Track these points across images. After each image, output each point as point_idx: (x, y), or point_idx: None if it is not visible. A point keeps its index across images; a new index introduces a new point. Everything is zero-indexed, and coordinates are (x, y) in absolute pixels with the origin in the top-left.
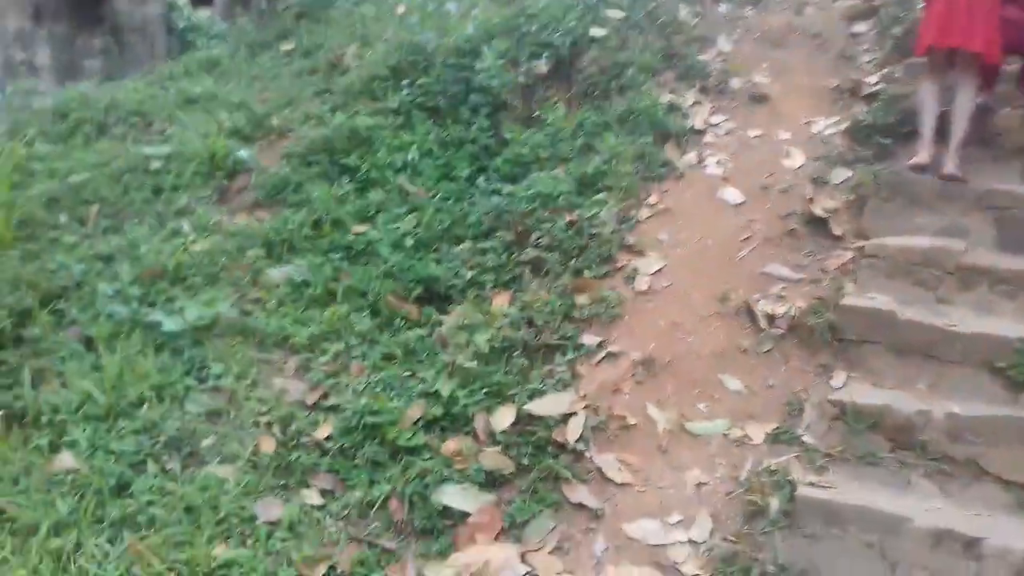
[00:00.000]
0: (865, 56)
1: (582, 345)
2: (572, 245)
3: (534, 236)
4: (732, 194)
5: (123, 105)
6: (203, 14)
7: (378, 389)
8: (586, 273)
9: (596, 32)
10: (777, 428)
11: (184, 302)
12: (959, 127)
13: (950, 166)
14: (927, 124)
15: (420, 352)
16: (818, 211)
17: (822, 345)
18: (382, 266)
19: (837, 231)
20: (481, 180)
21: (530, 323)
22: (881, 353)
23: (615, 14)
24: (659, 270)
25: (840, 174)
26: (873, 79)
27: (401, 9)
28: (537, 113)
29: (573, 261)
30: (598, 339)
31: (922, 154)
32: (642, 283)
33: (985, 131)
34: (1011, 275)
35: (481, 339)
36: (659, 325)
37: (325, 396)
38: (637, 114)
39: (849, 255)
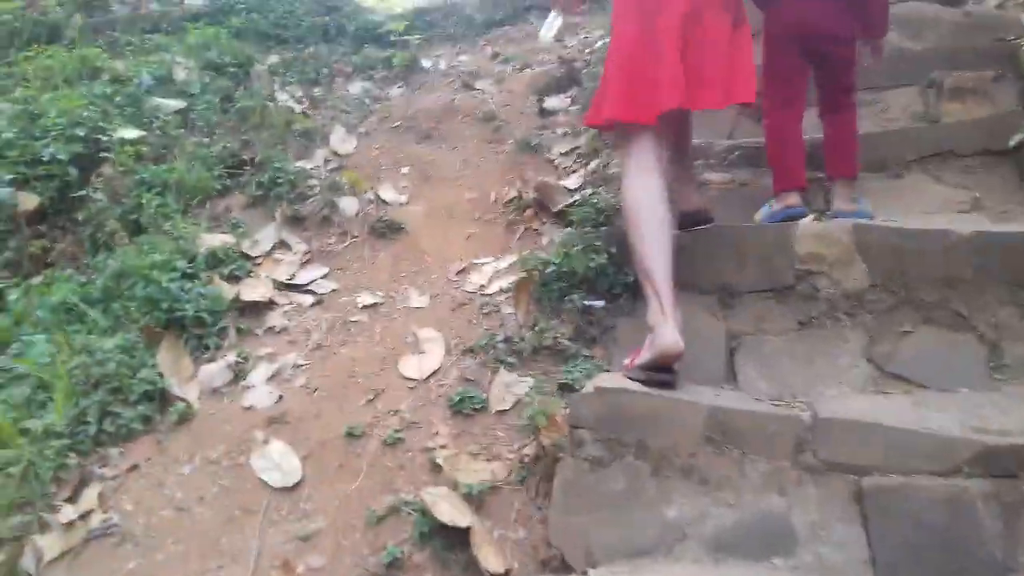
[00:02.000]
0: (561, 144)
1: None
2: None
3: None
4: (279, 459)
5: None
6: None
7: None
8: None
9: (128, 134)
10: None
11: None
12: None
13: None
14: (659, 262)
15: None
16: (444, 511)
17: None
18: None
19: (490, 562)
20: None
21: None
22: None
23: (173, 104)
24: None
25: (506, 390)
26: (572, 180)
27: None
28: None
29: None
30: None
31: (663, 330)
32: None
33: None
34: None
35: None
36: None
37: None
38: (131, 280)
39: None
